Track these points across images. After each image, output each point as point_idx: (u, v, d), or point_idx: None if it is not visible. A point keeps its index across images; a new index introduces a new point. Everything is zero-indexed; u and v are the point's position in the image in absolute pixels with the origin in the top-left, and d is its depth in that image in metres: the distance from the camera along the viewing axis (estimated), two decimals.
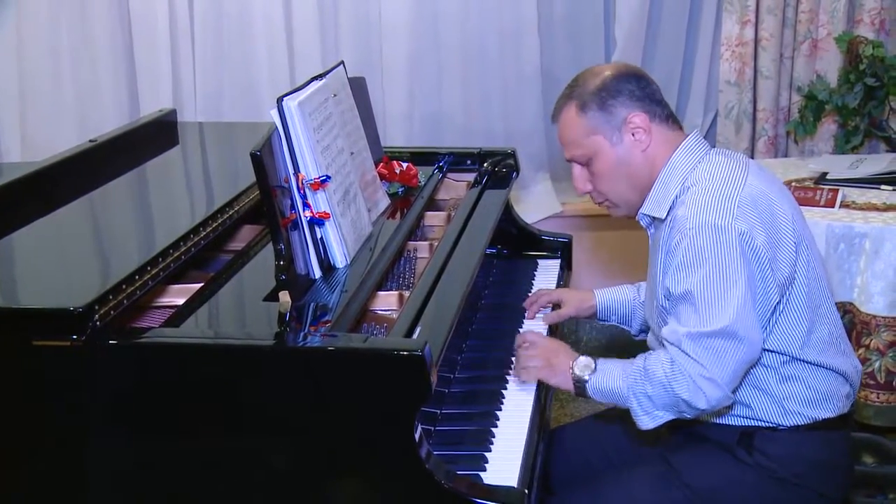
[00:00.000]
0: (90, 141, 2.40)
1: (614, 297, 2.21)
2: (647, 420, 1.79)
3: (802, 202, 2.93)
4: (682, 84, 3.68)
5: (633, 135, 1.85)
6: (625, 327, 2.24)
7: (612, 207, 1.94)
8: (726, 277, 1.71)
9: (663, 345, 1.78)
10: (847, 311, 2.86)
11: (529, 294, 2.36)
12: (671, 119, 1.89)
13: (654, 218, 1.89)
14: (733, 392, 1.76)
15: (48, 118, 3.36)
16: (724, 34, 3.52)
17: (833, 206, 2.93)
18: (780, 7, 3.47)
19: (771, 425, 1.83)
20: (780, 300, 1.78)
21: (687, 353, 1.72)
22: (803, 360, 1.82)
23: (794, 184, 3.11)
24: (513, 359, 2.01)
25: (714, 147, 1.93)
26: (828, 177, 3.15)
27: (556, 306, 2.28)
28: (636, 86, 1.86)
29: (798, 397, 1.83)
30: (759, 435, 1.83)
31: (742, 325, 1.71)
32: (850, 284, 2.86)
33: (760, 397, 1.83)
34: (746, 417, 1.84)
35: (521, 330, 2.18)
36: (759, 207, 1.76)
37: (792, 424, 1.83)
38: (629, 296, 2.20)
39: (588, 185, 1.92)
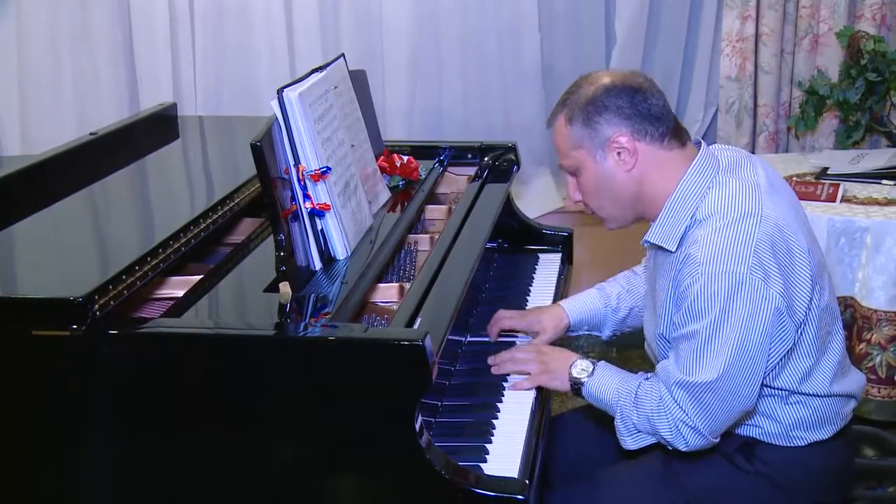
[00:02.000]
0: (90, 134, 2.40)
1: (584, 309, 2.15)
2: (630, 441, 1.81)
3: (803, 197, 2.94)
4: (683, 79, 3.68)
5: (617, 154, 1.77)
6: (595, 334, 2.20)
7: (603, 221, 1.90)
8: (730, 332, 1.66)
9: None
10: (848, 306, 2.86)
11: (495, 315, 2.17)
12: (669, 137, 1.78)
13: (661, 247, 1.82)
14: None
15: (48, 112, 3.36)
16: (725, 29, 3.52)
17: (834, 201, 2.93)
18: (780, 2, 3.46)
19: (773, 443, 1.83)
20: (793, 343, 1.73)
21: (674, 399, 1.72)
22: (810, 394, 1.80)
23: (794, 179, 3.11)
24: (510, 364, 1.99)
25: (715, 143, 1.87)
26: (829, 172, 3.15)
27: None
28: (628, 102, 1.75)
29: (803, 424, 1.81)
30: (760, 446, 1.83)
31: (732, 382, 1.68)
32: (851, 279, 2.86)
33: (765, 421, 1.82)
34: (752, 428, 1.83)
35: (517, 341, 2.12)
36: (776, 250, 1.69)
37: (794, 445, 1.83)
38: (598, 303, 2.15)
39: (578, 195, 1.87)
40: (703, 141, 1.85)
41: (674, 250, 1.77)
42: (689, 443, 1.74)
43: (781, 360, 1.74)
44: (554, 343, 2.09)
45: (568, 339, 2.31)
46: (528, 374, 1.93)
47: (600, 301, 2.15)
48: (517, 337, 2.14)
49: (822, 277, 1.79)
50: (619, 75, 1.81)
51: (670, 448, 1.77)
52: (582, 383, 1.84)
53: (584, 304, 2.16)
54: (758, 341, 1.67)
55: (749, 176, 1.79)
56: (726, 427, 1.76)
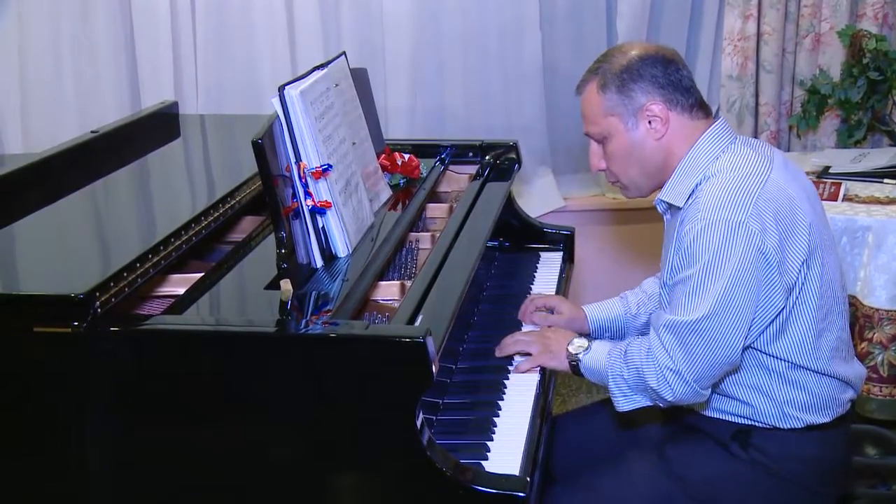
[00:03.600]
0: (92, 132, 2.40)
1: (607, 317, 2.17)
2: (623, 402, 1.83)
3: None
4: None
5: (649, 122, 1.82)
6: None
7: (623, 189, 1.93)
8: (721, 272, 1.69)
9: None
10: (850, 305, 2.85)
11: (528, 296, 2.28)
12: (696, 108, 1.84)
13: (671, 205, 1.87)
14: (715, 390, 1.76)
15: (49, 111, 3.36)
16: (727, 28, 3.52)
17: (836, 200, 2.93)
18: (782, 1, 3.46)
19: (768, 426, 1.83)
20: (784, 306, 1.75)
21: (662, 343, 1.74)
22: (808, 369, 1.80)
23: None
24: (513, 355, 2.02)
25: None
26: (830, 171, 3.14)
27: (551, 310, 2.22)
28: (661, 71, 1.81)
29: (799, 402, 1.82)
30: (755, 433, 1.83)
31: (719, 321, 1.69)
32: (854, 278, 2.85)
33: (760, 399, 1.82)
34: (743, 416, 1.84)
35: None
36: (777, 208, 1.73)
37: (789, 427, 1.83)
38: (620, 311, 2.17)
39: (602, 163, 1.90)
40: (722, 116, 1.89)
41: (682, 205, 1.81)
42: (675, 391, 1.74)
43: (776, 324, 1.76)
44: None
45: None
46: (530, 355, 1.97)
47: (621, 308, 2.18)
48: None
49: (824, 253, 1.81)
50: (651, 46, 1.87)
51: (661, 403, 1.79)
52: (579, 359, 1.88)
53: (605, 312, 2.18)
54: (747, 288, 1.70)
55: (764, 150, 1.85)
56: (712, 378, 1.76)
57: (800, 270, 1.75)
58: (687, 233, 1.74)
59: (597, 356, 1.87)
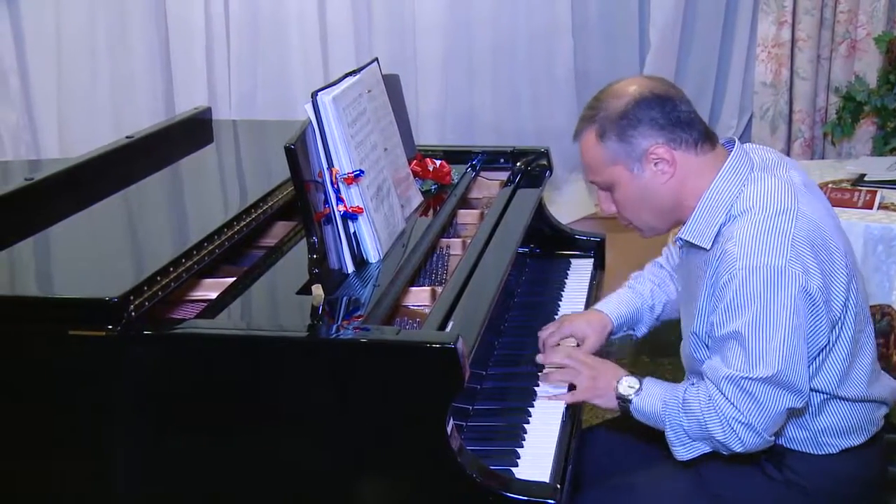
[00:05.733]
0: (126, 137, 2.43)
1: (625, 311, 2.10)
2: (683, 451, 1.76)
3: (840, 204, 2.91)
4: (718, 85, 3.66)
5: (654, 165, 1.75)
6: (629, 333, 2.16)
7: (639, 231, 1.88)
8: (777, 323, 1.63)
9: (701, 373, 1.76)
10: (885, 314, 2.82)
11: (538, 334, 2.09)
12: (702, 141, 1.76)
13: (693, 244, 1.81)
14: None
15: (85, 116, 3.41)
16: (760, 35, 3.50)
17: (871, 208, 2.90)
18: (817, 7, 3.44)
19: (802, 452, 1.80)
20: (828, 342, 1.71)
21: (725, 396, 1.68)
22: (843, 398, 1.77)
23: (831, 185, 3.07)
24: (544, 372, 1.97)
25: (748, 142, 1.85)
26: (866, 178, 3.11)
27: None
28: (660, 112, 1.73)
29: (833, 430, 1.78)
30: (789, 455, 1.80)
31: (789, 375, 1.65)
32: (889, 287, 2.82)
33: (794, 429, 1.79)
34: (781, 438, 1.80)
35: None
36: (814, 245, 1.67)
37: (824, 453, 1.80)
38: (637, 302, 2.11)
39: (612, 208, 1.85)
40: (736, 139, 1.83)
41: (708, 248, 1.76)
42: (745, 442, 1.69)
43: (818, 359, 1.72)
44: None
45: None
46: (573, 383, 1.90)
47: (638, 300, 2.12)
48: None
49: (856, 279, 1.77)
50: (644, 84, 1.77)
51: (725, 452, 1.73)
52: (629, 401, 1.81)
53: (623, 306, 2.11)
54: (803, 334, 1.65)
55: (783, 174, 1.78)
56: (779, 425, 1.72)
57: (843, 304, 1.71)
58: (727, 283, 1.67)
59: (650, 400, 1.79)
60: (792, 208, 1.70)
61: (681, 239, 1.82)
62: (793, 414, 1.74)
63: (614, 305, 2.12)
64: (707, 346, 1.78)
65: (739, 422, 1.68)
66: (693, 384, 1.78)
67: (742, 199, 1.73)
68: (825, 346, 1.72)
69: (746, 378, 1.66)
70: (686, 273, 1.88)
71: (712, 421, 1.69)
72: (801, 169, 1.87)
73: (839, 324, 1.72)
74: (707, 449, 1.75)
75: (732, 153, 1.78)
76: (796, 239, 1.66)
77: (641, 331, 2.15)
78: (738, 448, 1.70)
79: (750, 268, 1.65)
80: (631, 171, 1.76)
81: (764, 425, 1.68)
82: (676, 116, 1.75)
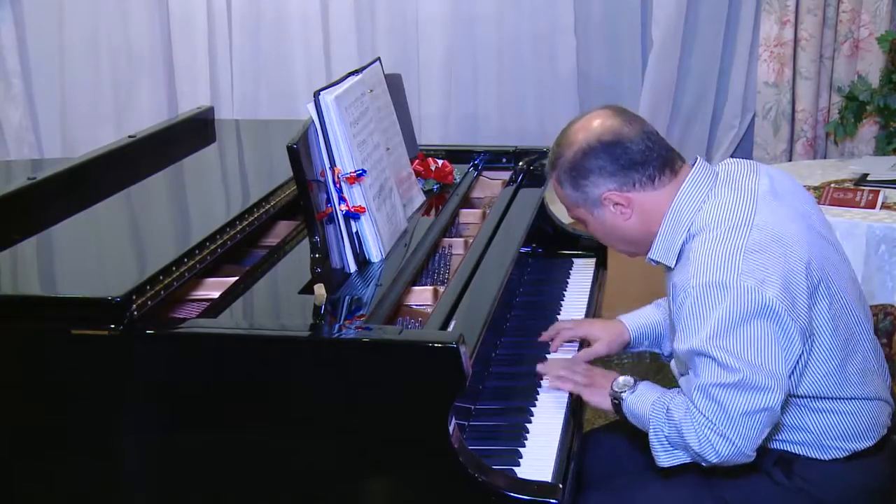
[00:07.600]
0: (129, 137, 2.43)
1: (646, 323, 2.12)
2: (663, 457, 1.76)
3: (842, 203, 2.90)
4: (720, 85, 3.65)
5: (612, 207, 1.79)
6: (655, 350, 2.17)
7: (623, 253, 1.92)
8: (734, 333, 1.64)
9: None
10: (888, 314, 2.81)
11: (554, 323, 2.18)
12: (659, 174, 1.77)
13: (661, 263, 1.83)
14: (756, 450, 1.71)
15: (88, 116, 3.41)
16: (763, 34, 3.49)
17: (874, 208, 2.89)
18: (820, 7, 3.44)
19: (809, 457, 1.80)
20: (803, 349, 1.70)
21: (697, 407, 1.69)
22: (840, 398, 1.77)
23: (833, 185, 3.07)
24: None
25: (732, 157, 1.86)
26: (868, 178, 3.11)
27: (585, 341, 2.14)
28: (608, 160, 1.75)
29: (837, 432, 1.78)
30: (798, 462, 1.80)
31: (753, 377, 1.64)
32: (892, 287, 2.82)
33: (798, 434, 1.79)
34: (784, 443, 1.80)
35: (547, 356, 2.08)
36: (769, 254, 1.67)
37: (830, 458, 1.79)
38: (658, 317, 2.12)
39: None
40: (699, 157, 1.84)
41: (672, 266, 1.78)
42: (720, 452, 1.69)
43: (798, 365, 1.72)
44: (607, 361, 2.06)
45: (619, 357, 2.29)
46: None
47: (659, 315, 2.12)
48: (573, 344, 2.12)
49: (833, 281, 1.76)
50: (593, 130, 1.78)
51: (704, 464, 1.73)
52: (622, 398, 1.82)
53: (644, 318, 2.13)
54: (765, 340, 1.65)
55: (748, 185, 1.79)
56: (757, 438, 1.71)
57: (809, 311, 1.70)
58: (682, 302, 1.70)
59: (641, 399, 1.80)
60: (746, 222, 1.71)
61: (651, 259, 1.84)
62: (775, 418, 1.73)
63: (635, 318, 2.14)
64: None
65: (713, 431, 1.68)
66: (678, 394, 1.79)
67: (700, 217, 1.75)
68: (802, 352, 1.70)
69: (714, 385, 1.67)
70: (668, 290, 1.89)
71: (688, 431, 1.70)
72: (781, 172, 1.87)
73: (815, 327, 1.72)
74: (687, 458, 1.75)
75: (692, 171, 1.80)
76: (748, 252, 1.67)
77: (667, 348, 2.14)
78: (713, 459, 1.70)
79: (701, 286, 1.66)
80: (591, 214, 1.82)
81: (737, 433, 1.67)
82: (628, 159, 1.76)
